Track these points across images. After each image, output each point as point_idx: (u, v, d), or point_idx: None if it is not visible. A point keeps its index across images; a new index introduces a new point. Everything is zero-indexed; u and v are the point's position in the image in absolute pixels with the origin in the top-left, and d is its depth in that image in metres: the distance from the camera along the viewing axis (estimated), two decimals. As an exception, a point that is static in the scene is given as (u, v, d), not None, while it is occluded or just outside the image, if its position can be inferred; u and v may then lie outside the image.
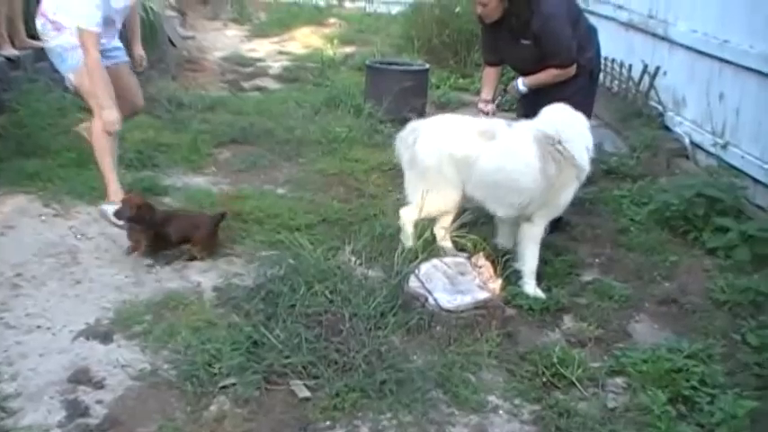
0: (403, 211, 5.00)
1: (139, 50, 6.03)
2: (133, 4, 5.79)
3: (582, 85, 5.47)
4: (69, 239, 5.16)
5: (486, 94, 5.70)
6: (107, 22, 5.34)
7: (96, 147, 5.42)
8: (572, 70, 5.35)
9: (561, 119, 4.91)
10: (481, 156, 4.74)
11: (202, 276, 4.83)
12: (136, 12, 6.04)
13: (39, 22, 5.48)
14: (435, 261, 4.58)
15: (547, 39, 5.24)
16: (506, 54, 5.62)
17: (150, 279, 4.77)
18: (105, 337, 4.11)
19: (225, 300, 4.50)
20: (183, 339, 4.03)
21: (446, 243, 4.93)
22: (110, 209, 5.37)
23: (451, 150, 4.77)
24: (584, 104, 5.46)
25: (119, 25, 5.68)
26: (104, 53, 5.44)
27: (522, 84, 5.49)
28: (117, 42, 5.76)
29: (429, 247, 4.71)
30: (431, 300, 4.35)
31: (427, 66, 9.00)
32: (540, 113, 4.99)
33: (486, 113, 5.54)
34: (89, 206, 5.58)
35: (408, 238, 4.90)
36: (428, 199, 4.77)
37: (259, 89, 10.01)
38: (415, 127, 4.96)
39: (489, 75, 5.80)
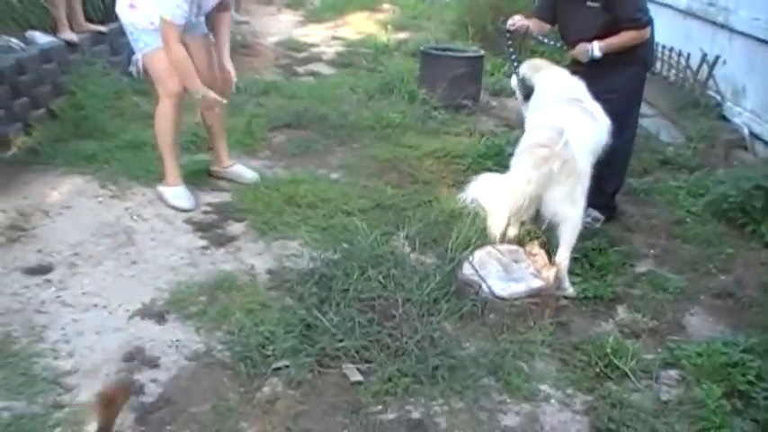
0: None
1: (228, 65, 5.63)
2: (228, 15, 5.69)
3: (636, 73, 5.39)
4: (125, 220, 5.21)
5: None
6: (196, 6, 5.26)
7: (158, 130, 5.46)
8: (647, 33, 5.15)
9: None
10: (603, 134, 4.82)
11: (256, 259, 4.85)
12: (228, 21, 5.74)
13: None
14: (489, 248, 4.57)
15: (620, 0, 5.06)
16: (567, 18, 5.39)
17: (205, 261, 4.81)
18: (160, 317, 4.15)
19: (279, 282, 4.52)
20: (237, 321, 4.07)
21: (513, 230, 4.87)
22: (166, 191, 5.44)
23: (592, 143, 4.74)
24: (637, 93, 5.47)
25: (209, 10, 5.50)
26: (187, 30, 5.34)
27: (597, 48, 5.16)
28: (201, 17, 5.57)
29: (483, 235, 4.68)
30: (484, 287, 4.34)
31: (482, 52, 8.93)
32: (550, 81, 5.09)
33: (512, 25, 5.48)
34: (145, 188, 5.63)
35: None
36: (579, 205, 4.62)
37: (313, 74, 10.01)
38: (560, 130, 4.52)
39: (535, 22, 5.61)
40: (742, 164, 6.84)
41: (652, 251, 5.33)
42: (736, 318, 4.60)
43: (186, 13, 5.06)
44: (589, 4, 5.12)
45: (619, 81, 5.18)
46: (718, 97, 7.94)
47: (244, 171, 5.98)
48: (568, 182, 4.47)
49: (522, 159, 4.53)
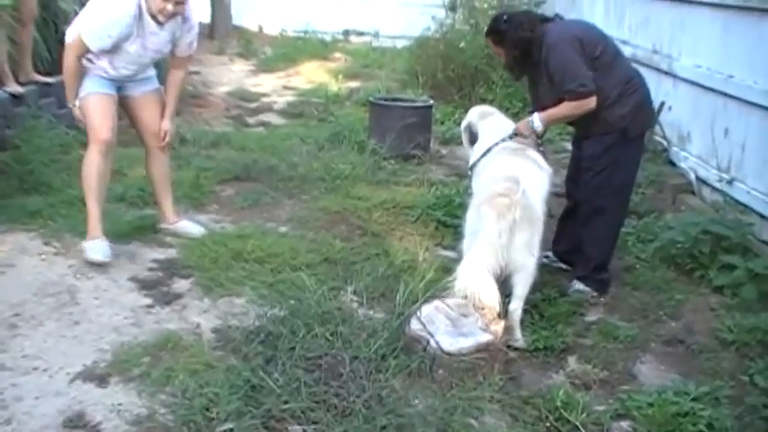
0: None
1: (166, 125, 5.69)
2: (179, 75, 5.72)
3: (612, 143, 5.08)
4: (69, 279, 5.11)
5: None
6: (132, 57, 5.31)
7: (83, 177, 5.38)
8: (590, 102, 4.90)
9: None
10: (547, 181, 5.01)
11: (202, 317, 4.77)
12: (178, 80, 5.74)
13: None
14: (437, 303, 4.52)
15: (552, 67, 4.96)
16: (536, 91, 5.29)
17: (149, 320, 4.72)
18: (102, 380, 4.05)
19: (224, 342, 4.43)
20: (181, 383, 3.96)
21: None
22: (86, 245, 5.31)
23: (543, 191, 4.88)
24: (619, 164, 5.18)
25: (148, 61, 5.52)
26: (134, 81, 5.51)
27: (537, 119, 5.13)
28: (150, 71, 5.66)
29: (431, 288, 4.65)
30: (432, 342, 4.28)
31: (431, 102, 8.98)
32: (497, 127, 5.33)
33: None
34: (90, 245, 5.53)
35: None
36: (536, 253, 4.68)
37: (263, 125, 10.02)
38: (516, 179, 4.62)
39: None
40: (690, 208, 6.92)
41: (602, 299, 5.33)
42: (686, 365, 4.60)
43: (102, 48, 5.13)
44: (544, 80, 5.10)
45: (595, 149, 5.15)
46: (665, 142, 8.05)
47: (190, 226, 5.92)
48: (528, 230, 4.54)
49: (484, 212, 4.56)
